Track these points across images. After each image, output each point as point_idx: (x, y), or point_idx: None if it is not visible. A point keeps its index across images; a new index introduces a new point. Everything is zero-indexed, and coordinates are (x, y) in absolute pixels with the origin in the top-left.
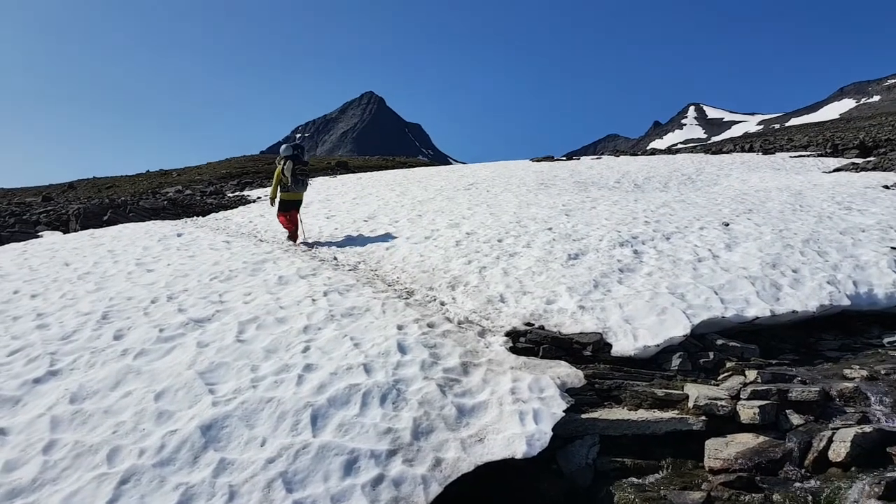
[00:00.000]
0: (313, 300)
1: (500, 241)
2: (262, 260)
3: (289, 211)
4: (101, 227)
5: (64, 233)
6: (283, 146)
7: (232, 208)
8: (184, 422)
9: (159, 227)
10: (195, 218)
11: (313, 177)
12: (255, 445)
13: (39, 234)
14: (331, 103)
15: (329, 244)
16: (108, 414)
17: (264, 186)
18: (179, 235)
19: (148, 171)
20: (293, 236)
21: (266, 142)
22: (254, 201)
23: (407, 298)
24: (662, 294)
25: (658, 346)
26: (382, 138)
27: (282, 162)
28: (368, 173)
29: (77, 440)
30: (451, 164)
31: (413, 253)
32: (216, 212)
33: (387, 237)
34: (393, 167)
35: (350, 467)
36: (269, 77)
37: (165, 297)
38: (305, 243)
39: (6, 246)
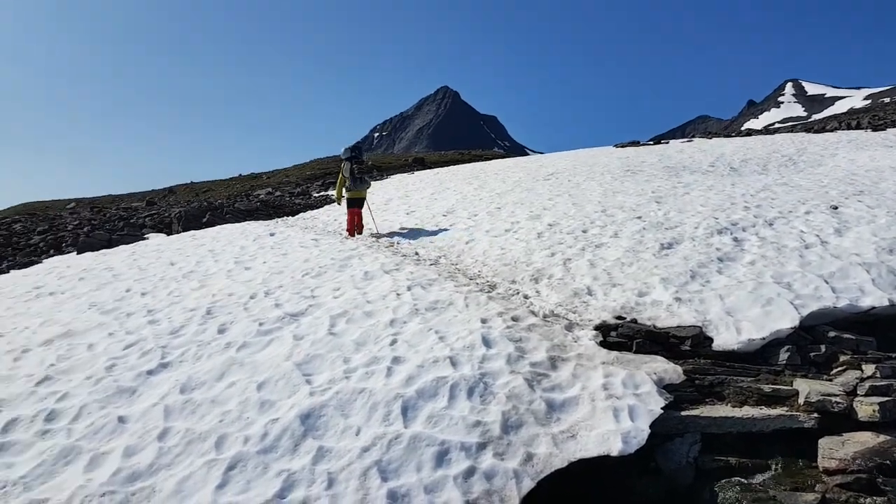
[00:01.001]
0: (398, 294)
1: (584, 231)
2: (348, 256)
3: (352, 208)
4: (201, 228)
5: (167, 234)
6: (343, 149)
7: (318, 208)
8: (284, 411)
9: (253, 227)
10: (285, 218)
11: (392, 174)
12: (350, 434)
13: (146, 236)
14: (407, 101)
15: (409, 239)
16: (214, 403)
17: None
18: (272, 235)
19: (240, 174)
20: (351, 231)
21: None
22: (335, 201)
23: (489, 292)
24: (767, 284)
25: (764, 339)
26: (458, 132)
27: (343, 164)
28: (445, 168)
29: (188, 428)
30: (528, 154)
31: (493, 246)
32: (304, 211)
33: (466, 231)
34: (469, 161)
35: (441, 458)
36: (348, 79)
37: (263, 292)
38: (373, 234)
39: (117, 248)
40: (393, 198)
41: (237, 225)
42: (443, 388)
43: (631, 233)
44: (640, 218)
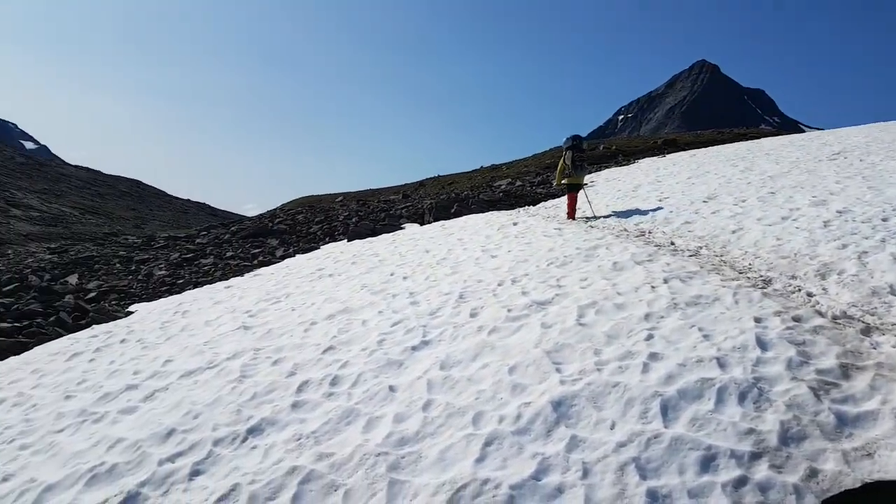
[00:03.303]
0: (653, 287)
1: (884, 220)
2: (594, 246)
3: (571, 192)
4: (450, 218)
5: (420, 225)
6: (565, 139)
7: (559, 196)
8: (536, 396)
9: (497, 217)
10: (527, 207)
11: (638, 158)
12: (604, 427)
13: (402, 225)
14: (655, 79)
15: (663, 228)
16: (470, 382)
17: (589, 173)
18: (515, 224)
19: (481, 166)
20: (572, 215)
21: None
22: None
23: (763, 288)
24: None
25: None
26: (716, 110)
27: (564, 152)
28: (702, 149)
29: (448, 402)
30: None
31: (767, 236)
32: (545, 201)
33: (732, 219)
34: (730, 140)
35: (707, 464)
36: (592, 60)
37: (510, 280)
38: (587, 218)
39: (380, 236)
40: (642, 183)
41: (482, 215)
42: (709, 391)
43: None
44: None
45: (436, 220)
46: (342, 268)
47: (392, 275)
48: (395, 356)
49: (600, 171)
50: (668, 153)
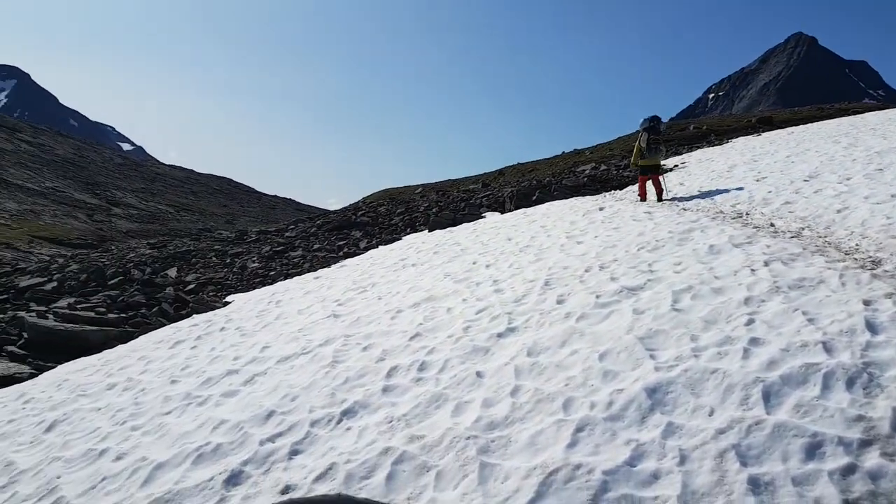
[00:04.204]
0: (752, 270)
1: None
2: (688, 229)
3: (646, 175)
4: (531, 206)
5: (501, 213)
6: (641, 120)
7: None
8: (628, 382)
9: (581, 202)
10: (613, 192)
11: (731, 137)
12: (702, 414)
13: (483, 214)
14: (747, 55)
15: (762, 209)
16: (559, 368)
17: (679, 154)
18: (601, 209)
19: (563, 152)
20: (643, 196)
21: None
22: (671, 170)
23: (872, 269)
24: None
25: None
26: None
27: (640, 134)
28: (801, 126)
29: (536, 388)
30: None
31: (876, 215)
32: (632, 184)
33: (837, 198)
34: (831, 116)
35: (813, 451)
36: (678, 38)
37: (597, 266)
38: (664, 200)
39: (461, 226)
40: (737, 163)
41: (565, 201)
42: (814, 376)
43: None
44: None
45: (517, 207)
46: (424, 257)
47: (474, 263)
48: (481, 343)
49: (692, 151)
50: (763, 132)
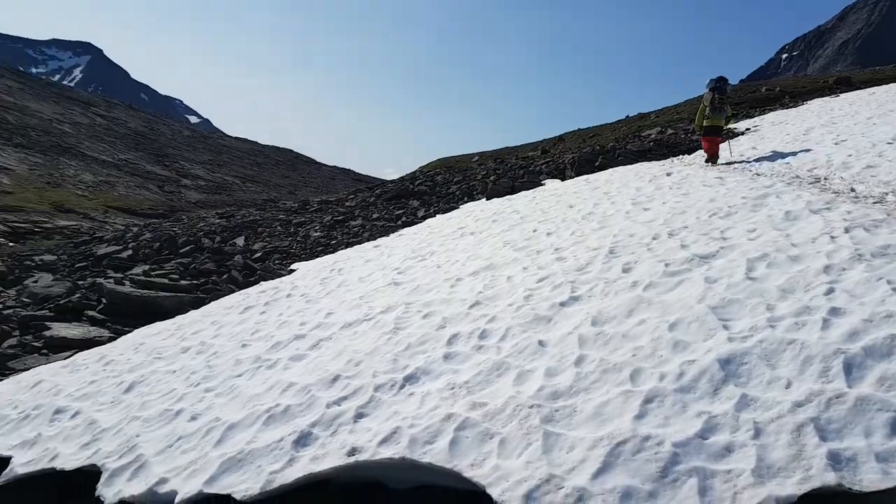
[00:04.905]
0: (832, 237)
1: None
2: (762, 195)
3: (710, 136)
4: (593, 172)
5: (561, 180)
6: (708, 80)
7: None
8: (700, 353)
9: (647, 167)
10: (681, 157)
11: (806, 99)
12: (778, 386)
13: (542, 182)
14: (824, 12)
15: (840, 173)
16: (626, 338)
17: (751, 117)
18: (669, 175)
19: (627, 116)
20: (712, 158)
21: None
22: (742, 133)
23: None
24: None
25: None
26: None
27: (705, 94)
28: (883, 87)
29: (602, 358)
30: None
31: None
32: (702, 149)
33: None
34: None
35: None
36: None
37: (666, 233)
38: (729, 163)
39: (519, 194)
40: (814, 126)
41: (630, 167)
42: None
43: None
44: None
45: (578, 174)
46: (483, 226)
47: (535, 231)
48: (543, 312)
49: (764, 114)
50: (840, 93)
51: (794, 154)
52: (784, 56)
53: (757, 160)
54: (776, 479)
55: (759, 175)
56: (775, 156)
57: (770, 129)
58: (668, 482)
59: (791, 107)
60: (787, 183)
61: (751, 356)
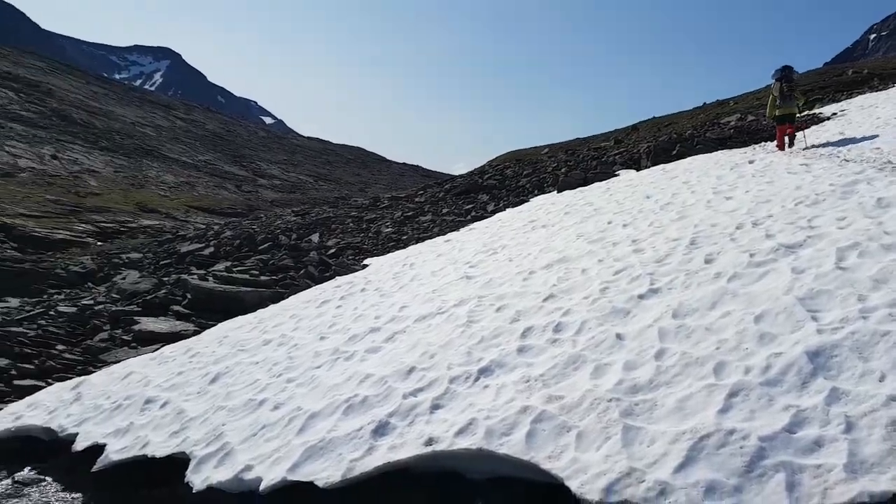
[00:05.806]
0: None
1: None
2: (851, 182)
3: (783, 124)
4: (670, 161)
5: (637, 170)
6: (774, 70)
7: (805, 128)
8: (787, 346)
9: (728, 155)
10: (763, 144)
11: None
12: (871, 380)
13: (616, 172)
14: None
15: None
16: (709, 331)
17: (836, 101)
18: (751, 162)
19: (704, 103)
20: (781, 146)
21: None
22: (828, 118)
23: None
24: None
25: None
26: None
27: (773, 84)
28: None
29: (683, 351)
30: None
31: None
32: None
33: None
34: None
35: None
36: None
37: (749, 223)
38: (809, 147)
39: (592, 185)
40: None
41: (709, 155)
42: None
43: None
44: None
45: (654, 164)
46: (555, 218)
47: (609, 223)
48: (621, 304)
49: (851, 98)
50: None
51: (884, 138)
52: (873, 36)
53: (845, 145)
54: (869, 474)
55: (847, 161)
56: (864, 141)
57: (858, 114)
58: (754, 477)
59: (881, 89)
60: (879, 169)
61: (841, 348)
